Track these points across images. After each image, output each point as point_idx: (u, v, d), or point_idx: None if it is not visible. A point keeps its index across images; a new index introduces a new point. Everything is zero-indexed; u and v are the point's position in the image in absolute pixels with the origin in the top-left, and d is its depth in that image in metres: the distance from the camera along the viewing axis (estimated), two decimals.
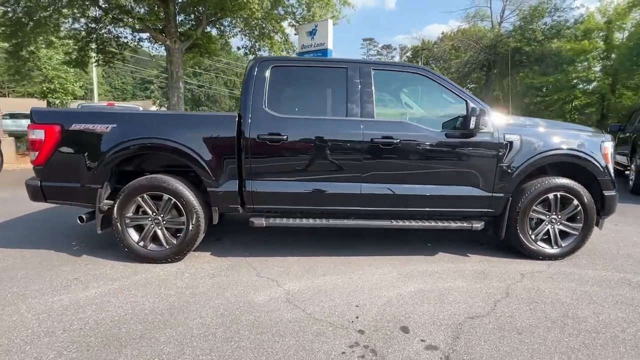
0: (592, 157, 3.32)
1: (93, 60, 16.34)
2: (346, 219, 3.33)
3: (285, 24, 17.99)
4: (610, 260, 3.47)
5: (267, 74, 3.26)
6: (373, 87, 3.28)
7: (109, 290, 2.72)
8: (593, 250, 3.66)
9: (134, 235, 3.23)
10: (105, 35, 15.67)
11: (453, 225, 3.31)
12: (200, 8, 16.09)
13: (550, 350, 2.05)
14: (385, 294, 2.72)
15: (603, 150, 3.39)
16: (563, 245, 3.41)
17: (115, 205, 3.14)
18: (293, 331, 2.22)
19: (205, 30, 17.37)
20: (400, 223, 3.29)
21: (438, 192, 3.27)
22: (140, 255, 3.21)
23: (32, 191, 3.24)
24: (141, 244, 3.22)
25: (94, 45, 15.71)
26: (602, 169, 3.35)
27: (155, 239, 3.26)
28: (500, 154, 3.23)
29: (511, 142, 3.24)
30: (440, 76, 3.39)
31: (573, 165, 3.40)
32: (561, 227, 3.40)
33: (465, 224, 3.32)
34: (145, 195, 3.17)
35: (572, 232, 3.40)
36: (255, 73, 3.26)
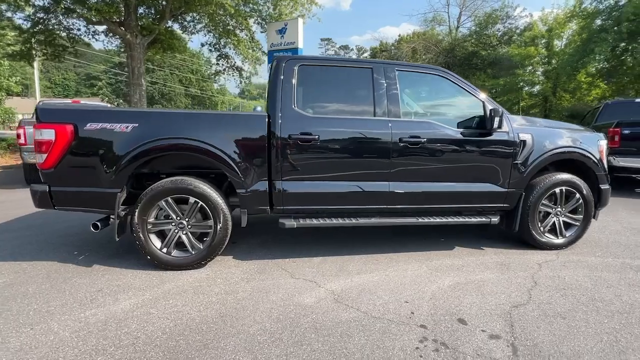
0: (591, 153, 3.65)
1: (40, 53, 14.96)
2: (373, 217, 3.37)
3: (251, 21, 17.68)
4: (605, 247, 3.83)
5: (295, 72, 3.21)
6: (398, 87, 3.35)
7: (144, 301, 2.54)
8: (586, 240, 4.02)
9: (156, 242, 3.04)
10: (55, 26, 14.41)
11: (473, 220, 3.48)
12: (163, 1, 15.33)
13: (597, 332, 2.23)
14: (427, 289, 2.80)
15: (599, 147, 3.74)
16: (567, 235, 3.71)
17: (136, 210, 2.94)
18: (358, 330, 2.22)
19: (167, 26, 16.61)
20: (426, 220, 3.39)
21: (461, 189, 3.42)
22: (164, 262, 3.03)
23: (40, 197, 2.93)
24: (164, 250, 3.04)
25: (42, 37, 14.38)
26: (599, 165, 3.70)
27: (178, 244, 3.09)
28: (515, 151, 3.45)
29: (524, 141, 3.47)
30: (458, 77, 3.54)
31: (574, 161, 3.70)
32: (565, 219, 3.70)
33: (484, 219, 3.50)
34: (169, 199, 2.99)
35: (574, 223, 3.71)
36: (282, 72, 3.20)
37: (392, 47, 56.25)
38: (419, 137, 3.26)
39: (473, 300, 2.62)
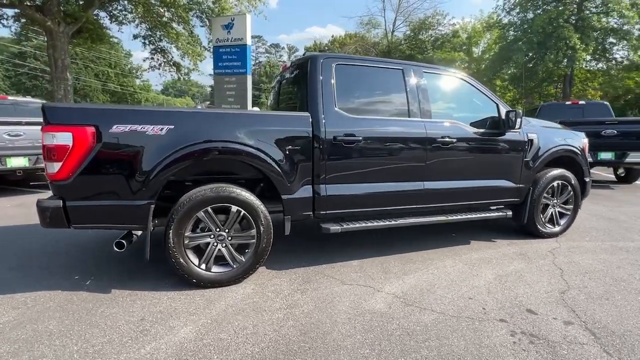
0: (580, 150, 4.12)
1: None
2: (407, 217, 3.40)
3: (191, 14, 16.69)
4: (587, 233, 4.35)
5: (333, 72, 3.10)
6: (428, 89, 3.43)
7: (205, 327, 2.25)
8: (571, 227, 4.52)
9: (193, 258, 2.71)
10: None
11: (493, 215, 3.72)
12: None
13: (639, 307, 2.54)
14: (477, 283, 2.91)
15: (583, 144, 4.24)
16: (561, 224, 4.15)
17: (172, 224, 2.58)
18: (450, 331, 2.22)
19: (95, 14, 14.92)
20: (453, 217, 3.53)
21: (483, 185, 3.62)
22: (204, 280, 2.71)
23: (51, 215, 2.41)
24: (203, 266, 2.72)
25: None
26: (584, 159, 4.19)
27: (216, 258, 2.79)
28: (525, 149, 3.76)
29: (532, 140, 3.80)
30: (476, 81, 3.73)
31: (565, 158, 4.14)
32: (559, 209, 4.13)
33: (501, 213, 3.76)
34: (209, 209, 2.68)
35: (567, 212, 4.17)
36: (320, 71, 3.06)
37: (326, 47, 57.45)
38: (449, 137, 3.37)
39: (524, 290, 2.79)
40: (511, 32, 24.98)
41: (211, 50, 14.23)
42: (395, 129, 3.22)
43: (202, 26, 17.26)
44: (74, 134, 2.36)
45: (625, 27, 20.33)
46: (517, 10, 23.98)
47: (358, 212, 3.21)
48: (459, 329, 2.25)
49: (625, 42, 20.76)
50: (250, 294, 2.71)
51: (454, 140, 3.38)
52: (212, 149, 2.63)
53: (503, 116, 3.60)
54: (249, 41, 15.65)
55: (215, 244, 2.76)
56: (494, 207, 3.90)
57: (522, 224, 4.01)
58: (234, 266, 2.81)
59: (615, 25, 20.78)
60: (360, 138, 3.05)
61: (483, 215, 3.68)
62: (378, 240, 3.96)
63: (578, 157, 4.13)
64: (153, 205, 2.56)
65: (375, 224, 3.22)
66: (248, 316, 2.39)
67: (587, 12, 21.16)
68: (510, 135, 3.67)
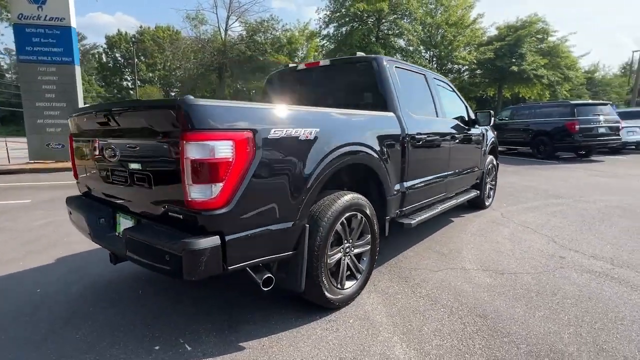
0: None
1: None
2: (438, 205, 3.87)
3: None
4: (516, 197, 5.92)
5: (396, 75, 3.21)
6: (440, 92, 3.97)
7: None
8: (501, 195, 6.01)
9: (332, 279, 2.39)
10: None
11: (472, 195, 4.63)
12: None
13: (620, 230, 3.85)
14: (503, 247, 3.69)
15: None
16: (492, 195, 5.52)
17: (315, 242, 2.21)
18: (545, 280, 2.85)
19: None
20: (458, 201, 4.22)
21: (469, 171, 4.47)
22: (343, 300, 2.44)
23: (208, 259, 1.65)
24: (339, 285, 2.44)
25: None
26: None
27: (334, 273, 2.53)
28: (482, 141, 4.83)
29: (485, 133, 4.91)
30: (454, 86, 4.52)
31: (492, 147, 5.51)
32: (489, 186, 5.49)
33: (474, 193, 4.72)
34: (344, 220, 2.41)
35: (493, 187, 5.57)
36: (389, 72, 3.12)
37: (132, 39, 50.94)
38: (457, 133, 4.03)
39: (530, 244, 3.75)
40: (328, 43, 28.74)
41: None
42: (437, 127, 3.63)
43: None
44: (235, 143, 1.72)
45: (411, 48, 26.74)
46: (335, 24, 27.76)
47: (420, 205, 3.47)
48: (551, 278, 2.91)
49: (412, 59, 27.28)
50: (372, 310, 2.61)
51: (462, 136, 4.08)
52: (349, 153, 2.37)
53: (472, 115, 4.54)
54: (73, 22, 12.70)
55: (344, 257, 2.50)
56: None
57: (483, 201, 5.15)
58: (358, 277, 2.62)
59: (404, 45, 27.03)
60: (425, 136, 3.32)
61: (468, 196, 4.55)
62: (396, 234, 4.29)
63: (496, 146, 5.60)
64: (307, 225, 2.13)
65: (434, 212, 3.56)
66: (418, 312, 2.36)
67: (385, 32, 26.64)
68: (477, 130, 4.65)
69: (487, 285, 2.83)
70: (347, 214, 2.43)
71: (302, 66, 3.73)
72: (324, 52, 29.65)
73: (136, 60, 45.25)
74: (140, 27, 51.60)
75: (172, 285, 2.89)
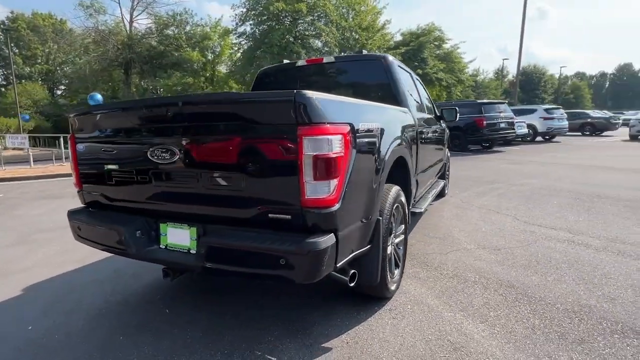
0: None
1: None
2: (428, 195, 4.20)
3: None
4: (458, 185, 6.60)
5: (399, 72, 3.40)
6: (422, 90, 4.30)
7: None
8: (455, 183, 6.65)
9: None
10: None
11: (442, 185, 5.11)
12: None
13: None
14: (485, 227, 4.19)
15: None
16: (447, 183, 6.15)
17: (385, 234, 2.27)
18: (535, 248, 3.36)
19: None
20: (437, 189, 4.63)
21: (442, 161, 4.92)
22: (392, 291, 2.54)
23: (328, 259, 1.58)
24: (391, 275, 2.53)
25: None
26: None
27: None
28: (444, 134, 5.36)
29: (444, 128, 5.44)
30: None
31: None
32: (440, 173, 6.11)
33: (442, 184, 5.21)
34: (393, 211, 2.50)
35: (447, 174, 6.21)
36: (396, 69, 3.30)
37: (2, 27, 43.03)
38: (437, 128, 4.42)
39: (500, 225, 4.33)
40: (245, 41, 28.09)
41: None
42: (428, 121, 3.93)
43: None
44: (343, 137, 1.67)
45: (327, 49, 27.63)
46: (251, 22, 27.21)
47: (420, 194, 3.72)
48: (538, 249, 3.43)
49: None
50: (425, 294, 2.78)
51: (438, 129, 4.47)
52: (400, 144, 2.47)
53: (438, 113, 5.01)
54: None
55: (392, 247, 2.60)
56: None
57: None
58: (399, 265, 2.74)
59: (321, 46, 27.82)
60: (424, 129, 3.58)
61: (441, 185, 5.00)
62: None
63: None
64: (380, 218, 2.16)
65: (428, 202, 3.84)
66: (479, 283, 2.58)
67: (303, 33, 27.08)
68: (443, 125, 5.14)
69: (494, 261, 3.20)
70: (395, 205, 2.52)
71: (302, 62, 3.68)
72: (240, 50, 28.89)
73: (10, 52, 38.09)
74: (12, 12, 43.49)
75: (195, 302, 2.64)
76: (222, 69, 35.63)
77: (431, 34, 30.47)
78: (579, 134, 21.65)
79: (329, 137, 1.60)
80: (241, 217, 1.80)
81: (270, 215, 1.71)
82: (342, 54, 30.86)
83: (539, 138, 17.75)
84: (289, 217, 1.67)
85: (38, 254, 3.76)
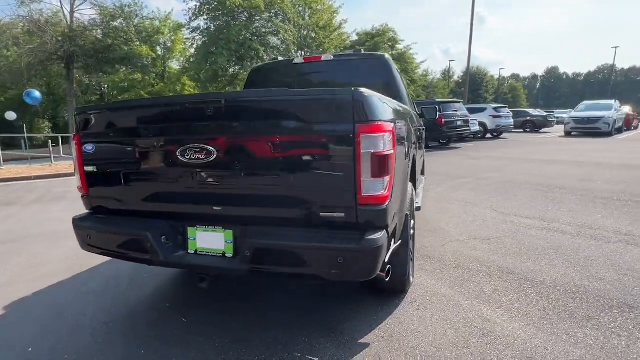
0: None
1: None
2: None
3: None
4: (435, 176, 6.88)
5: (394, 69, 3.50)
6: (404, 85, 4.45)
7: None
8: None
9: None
10: None
11: (423, 179, 5.31)
12: None
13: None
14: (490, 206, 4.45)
15: None
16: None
17: (410, 228, 2.34)
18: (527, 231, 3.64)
19: None
20: (421, 186, 4.82)
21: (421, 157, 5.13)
22: (409, 286, 2.62)
23: (384, 255, 1.60)
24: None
25: None
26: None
27: None
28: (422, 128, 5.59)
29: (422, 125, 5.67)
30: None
31: None
32: None
33: (423, 178, 5.43)
34: (411, 201, 2.57)
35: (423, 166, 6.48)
36: (394, 68, 3.38)
37: None
38: (421, 124, 4.60)
39: (493, 205, 4.63)
40: (199, 37, 27.08)
41: None
42: (418, 119, 4.06)
43: None
44: (392, 135, 1.70)
45: (284, 47, 27.49)
46: (206, 17, 26.25)
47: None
48: (523, 237, 3.71)
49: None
50: (436, 285, 2.90)
51: (423, 126, 4.65)
52: (415, 140, 2.54)
53: (419, 111, 5.21)
54: None
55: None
56: None
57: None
58: (412, 259, 2.83)
59: (279, 44, 27.57)
60: (420, 129, 3.71)
61: (424, 180, 5.21)
62: None
63: None
64: (408, 213, 2.22)
65: (421, 196, 3.99)
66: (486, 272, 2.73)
67: (260, 29, 26.66)
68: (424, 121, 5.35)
69: (489, 250, 3.42)
70: (410, 200, 2.60)
71: (299, 60, 3.64)
72: (194, 46, 27.80)
73: None
74: None
75: (209, 306, 2.54)
76: (174, 65, 34.02)
77: (385, 34, 31.46)
78: (521, 130, 23.52)
79: (384, 134, 1.62)
80: (288, 217, 1.76)
81: (321, 214, 1.69)
82: (300, 52, 30.90)
83: (488, 135, 19.04)
84: (342, 215, 1.66)
85: (8, 267, 3.37)
